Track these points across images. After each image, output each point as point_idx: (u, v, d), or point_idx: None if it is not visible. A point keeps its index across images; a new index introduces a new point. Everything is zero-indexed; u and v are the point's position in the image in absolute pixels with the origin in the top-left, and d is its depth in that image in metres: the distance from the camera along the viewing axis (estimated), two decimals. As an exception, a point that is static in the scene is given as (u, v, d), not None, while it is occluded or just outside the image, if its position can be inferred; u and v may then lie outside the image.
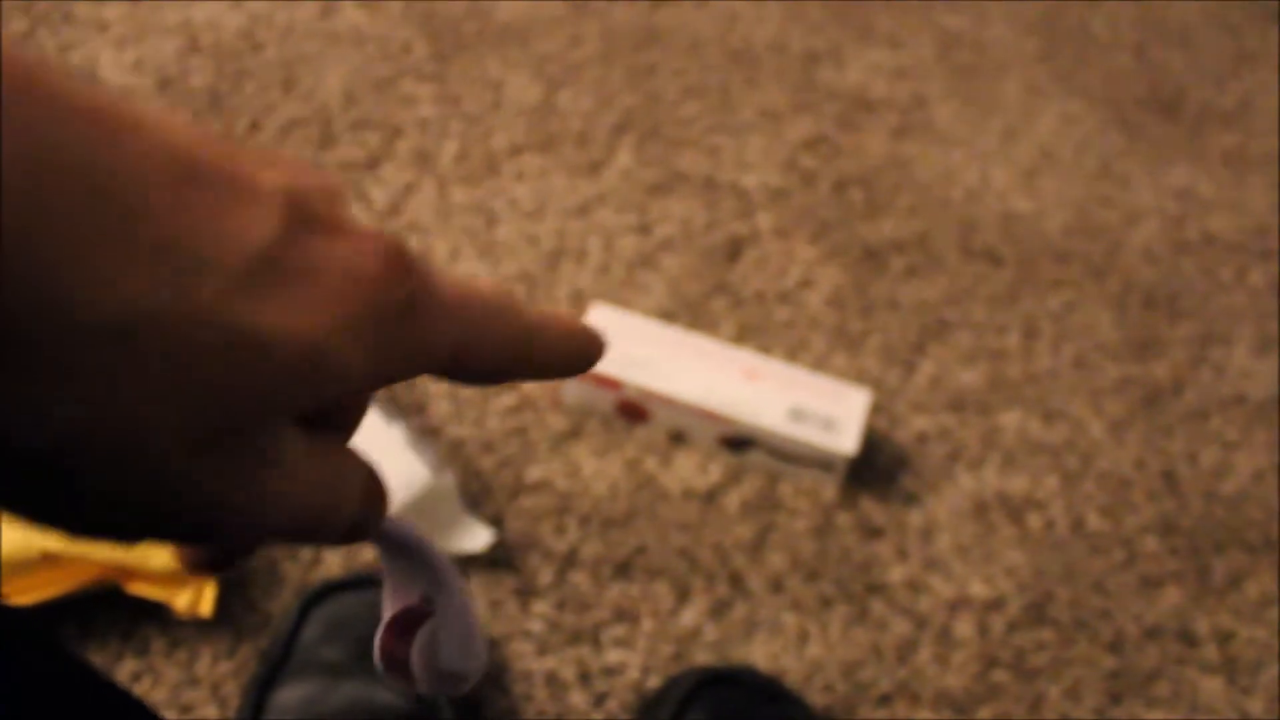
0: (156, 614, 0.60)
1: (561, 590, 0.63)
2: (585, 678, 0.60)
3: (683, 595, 0.64)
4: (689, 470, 0.69)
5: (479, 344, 0.22)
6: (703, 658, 0.62)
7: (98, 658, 0.59)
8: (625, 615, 0.63)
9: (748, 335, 0.76)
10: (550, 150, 0.86)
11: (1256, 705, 0.63)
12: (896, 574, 0.66)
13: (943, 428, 0.72)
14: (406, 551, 0.26)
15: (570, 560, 0.64)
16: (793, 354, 0.75)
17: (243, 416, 0.17)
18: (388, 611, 0.27)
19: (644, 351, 0.68)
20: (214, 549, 0.24)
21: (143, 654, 0.59)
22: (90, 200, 0.15)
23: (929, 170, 0.89)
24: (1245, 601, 0.67)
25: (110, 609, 0.60)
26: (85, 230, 0.15)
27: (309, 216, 0.18)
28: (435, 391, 0.70)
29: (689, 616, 0.63)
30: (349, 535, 0.22)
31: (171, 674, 0.58)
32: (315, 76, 0.89)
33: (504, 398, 0.71)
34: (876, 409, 0.73)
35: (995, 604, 0.65)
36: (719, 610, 0.63)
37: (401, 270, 0.19)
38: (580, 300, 0.76)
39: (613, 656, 0.61)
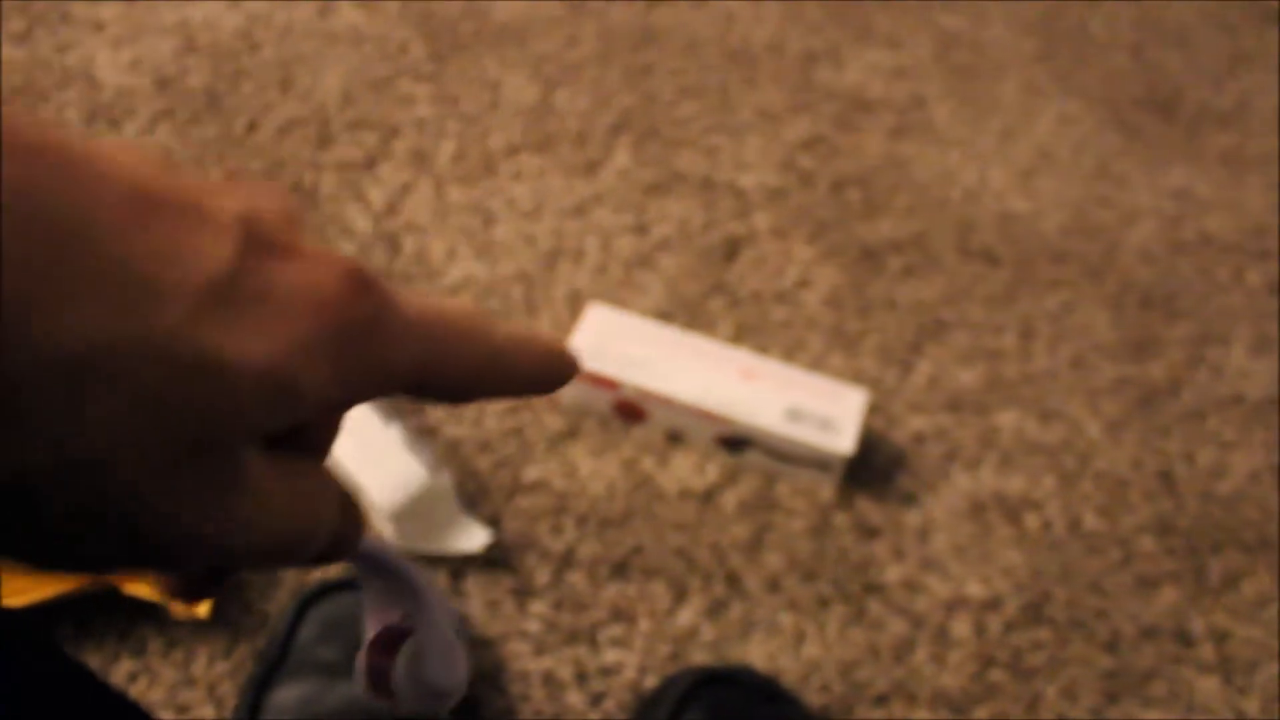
0: (153, 614, 0.60)
1: (559, 590, 0.63)
2: (582, 678, 0.60)
3: (680, 595, 0.64)
4: (686, 470, 0.69)
5: (444, 364, 0.22)
6: (700, 657, 0.62)
7: (94, 658, 0.59)
8: (622, 615, 0.63)
9: (745, 335, 0.76)
10: (547, 150, 0.86)
11: (1252, 705, 0.63)
12: (893, 574, 0.66)
13: (940, 428, 0.73)
14: (384, 571, 0.26)
15: (567, 560, 0.64)
16: (790, 354, 0.75)
17: (205, 443, 0.17)
18: (369, 631, 0.27)
19: (641, 351, 0.68)
20: (191, 577, 0.24)
21: (139, 654, 0.59)
22: (42, 236, 0.15)
23: (927, 170, 0.89)
24: (1241, 601, 0.67)
25: (107, 609, 0.60)
26: (38, 266, 0.15)
27: (266, 240, 0.18)
28: (432, 391, 0.70)
29: (686, 616, 0.63)
30: (324, 557, 0.22)
31: (168, 674, 0.58)
32: (313, 76, 0.89)
33: (501, 398, 0.71)
34: (873, 409, 0.73)
35: (992, 604, 0.65)
36: (716, 610, 0.63)
37: (361, 291, 0.19)
38: (577, 300, 0.76)
39: (610, 656, 0.61)
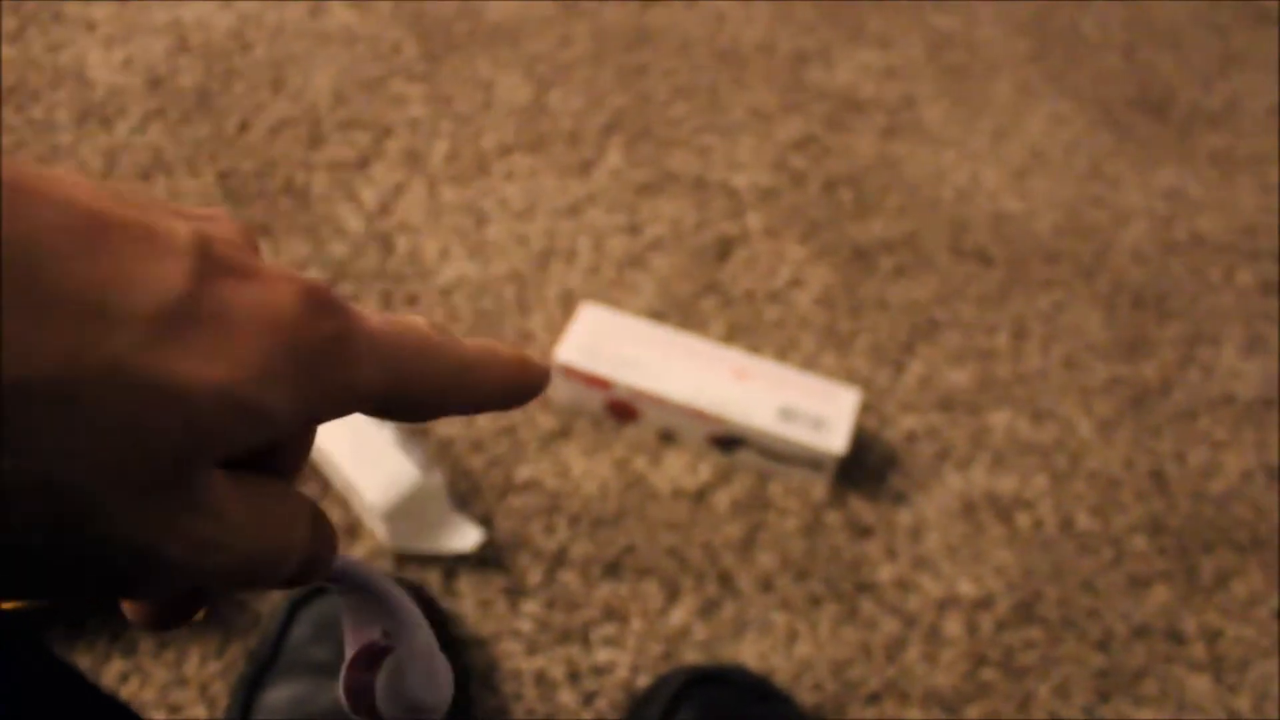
0: (144, 614, 0.60)
1: (551, 589, 0.63)
2: (574, 677, 0.60)
3: (672, 594, 0.64)
4: (678, 469, 0.69)
5: (410, 381, 0.21)
6: (692, 657, 0.62)
7: (86, 659, 0.59)
8: (615, 614, 0.63)
9: (737, 335, 0.76)
10: (540, 150, 0.86)
11: (1244, 703, 0.63)
12: (885, 573, 0.66)
13: (932, 427, 0.73)
14: (362, 589, 0.26)
15: (559, 559, 0.64)
16: (782, 353, 0.75)
17: (167, 466, 0.17)
18: (350, 649, 0.27)
19: (634, 351, 0.68)
20: (161, 605, 0.24)
21: (131, 654, 0.59)
22: None
23: (919, 170, 0.89)
24: (1233, 600, 0.67)
25: (98, 610, 0.60)
26: None
27: (221, 262, 0.18)
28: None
29: (678, 615, 0.63)
30: (298, 578, 0.22)
31: (160, 674, 0.58)
32: (305, 76, 0.89)
33: (494, 397, 0.71)
34: (866, 408, 0.73)
35: (984, 603, 0.65)
36: (708, 609, 0.63)
37: (320, 310, 0.19)
38: (570, 300, 0.76)
39: (602, 655, 0.61)
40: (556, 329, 0.74)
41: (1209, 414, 0.76)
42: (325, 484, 0.65)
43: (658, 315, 0.76)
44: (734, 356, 0.68)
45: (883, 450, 0.71)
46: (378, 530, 0.62)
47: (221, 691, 0.58)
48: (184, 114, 0.85)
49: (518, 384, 0.24)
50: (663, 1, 1.00)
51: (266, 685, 0.54)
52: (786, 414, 0.66)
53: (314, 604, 0.56)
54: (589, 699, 0.60)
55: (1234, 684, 0.64)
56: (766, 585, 0.64)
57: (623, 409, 0.68)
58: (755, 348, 0.75)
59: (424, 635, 0.26)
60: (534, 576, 0.63)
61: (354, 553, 0.63)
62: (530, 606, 0.62)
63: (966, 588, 0.66)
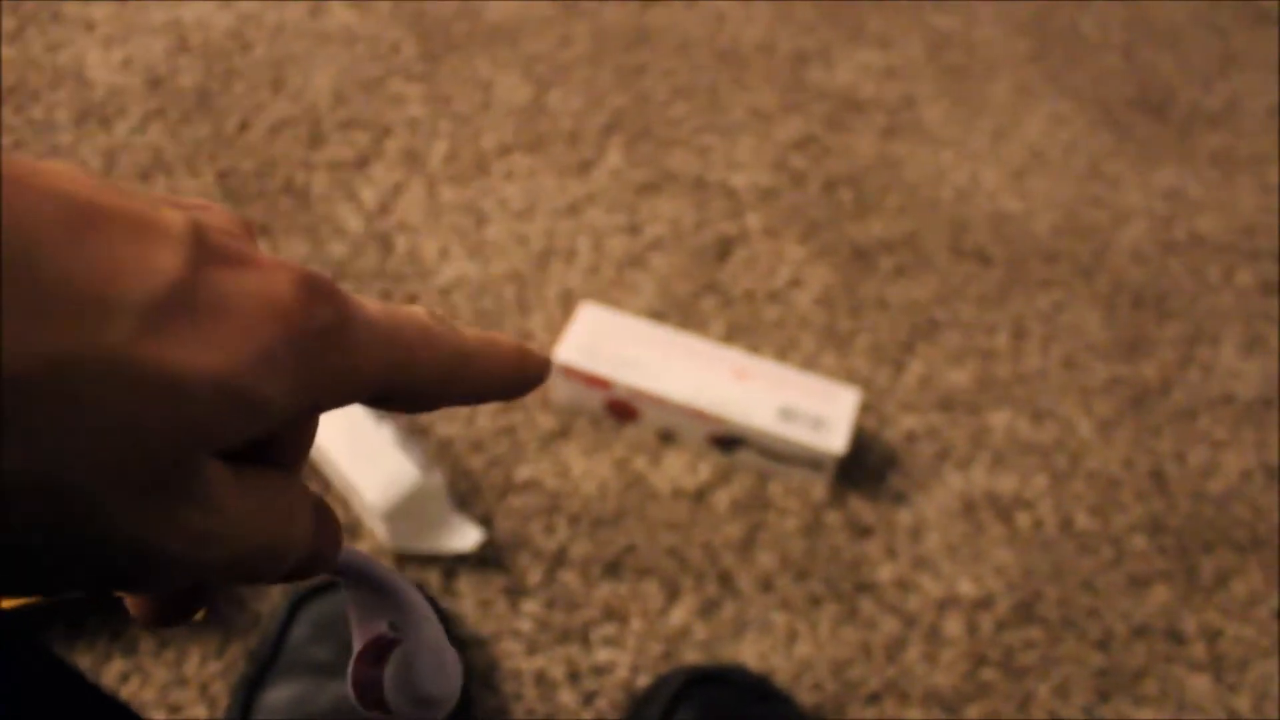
0: (144, 614, 0.60)
1: (551, 589, 0.63)
2: (574, 677, 0.60)
3: (672, 594, 0.64)
4: (678, 469, 0.69)
5: (411, 370, 0.21)
6: (692, 656, 0.62)
7: (86, 658, 0.58)
8: (614, 614, 0.63)
9: (737, 335, 0.76)
10: (540, 150, 0.86)
11: (1244, 702, 0.63)
12: (885, 573, 0.66)
13: (932, 427, 0.73)
14: (368, 582, 0.26)
15: (559, 559, 0.64)
16: (782, 353, 0.75)
17: (165, 458, 0.17)
18: (357, 643, 0.27)
19: (633, 351, 0.68)
20: (163, 601, 0.23)
21: (131, 654, 0.59)
22: None
23: (918, 170, 0.89)
24: (1233, 600, 0.67)
25: (99, 610, 0.60)
26: None
27: (216, 251, 0.18)
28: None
29: (678, 615, 0.63)
30: (301, 571, 0.22)
31: (160, 674, 0.58)
32: (304, 76, 0.89)
33: (493, 397, 0.71)
34: (866, 408, 0.73)
35: (984, 603, 0.65)
36: (708, 609, 0.63)
37: (319, 298, 0.19)
38: (570, 299, 0.76)
39: (602, 655, 0.61)
40: (556, 329, 0.74)
41: (1209, 414, 0.76)
42: (326, 484, 0.65)
43: (657, 315, 0.76)
44: (734, 356, 0.68)
45: (883, 450, 0.71)
46: (378, 530, 0.62)
47: (222, 691, 0.58)
48: (184, 114, 0.85)
49: (517, 374, 0.24)
50: (663, 1, 1.00)
51: (267, 685, 0.54)
52: (786, 414, 0.66)
53: (314, 604, 0.56)
54: (589, 699, 0.60)
55: (1234, 684, 0.64)
56: (766, 585, 0.64)
57: (623, 409, 0.68)
58: (755, 348, 0.75)
59: (432, 627, 0.26)
60: (534, 576, 0.63)
61: (354, 553, 0.63)
62: (530, 606, 0.62)
63: (966, 588, 0.66)
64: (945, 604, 0.65)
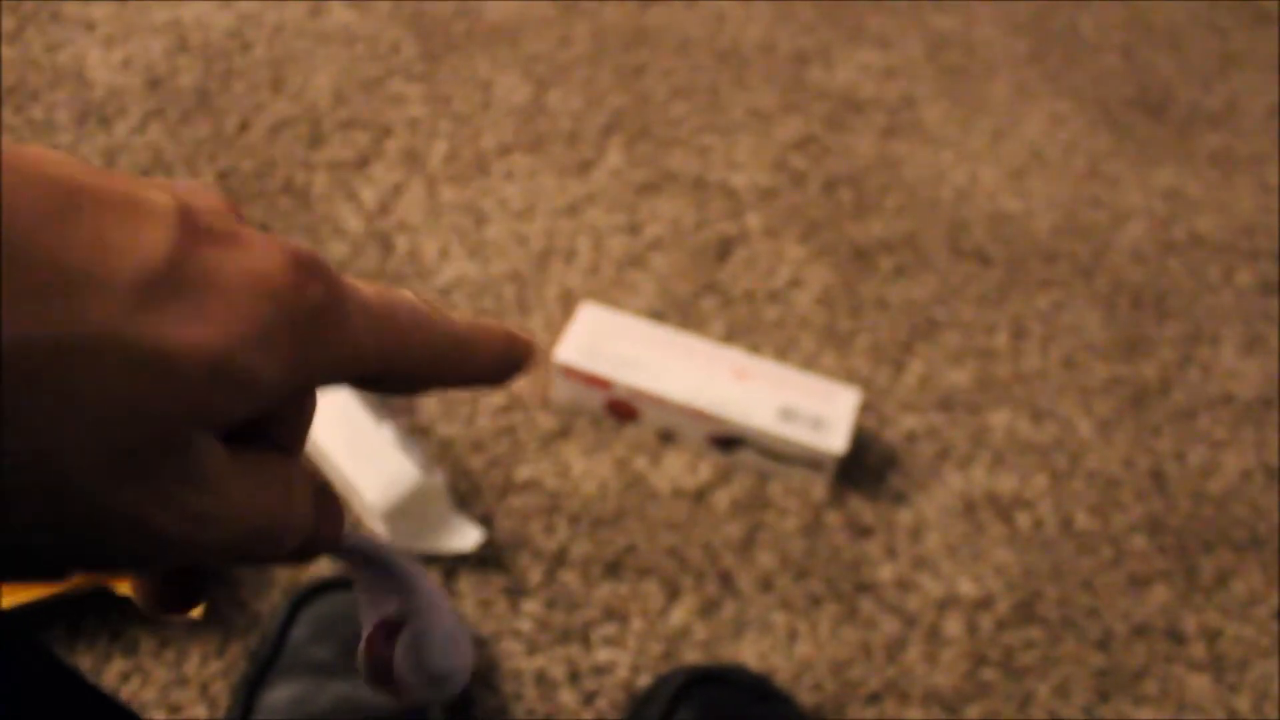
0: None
1: (551, 589, 0.63)
2: (575, 676, 0.60)
3: (672, 594, 0.64)
4: (678, 469, 0.69)
5: (403, 351, 0.21)
6: (692, 656, 0.62)
7: (86, 658, 0.58)
8: (615, 614, 0.63)
9: (737, 334, 0.76)
10: (539, 150, 0.86)
11: (1244, 702, 0.63)
12: (886, 573, 0.66)
13: (932, 427, 0.73)
14: (374, 564, 0.26)
15: (560, 559, 0.64)
16: (782, 353, 0.75)
17: (159, 436, 0.17)
18: (367, 625, 0.27)
19: (633, 351, 0.68)
20: (169, 583, 0.23)
21: (131, 654, 0.59)
22: None
23: (918, 170, 0.89)
24: (1233, 600, 0.67)
25: (99, 609, 0.60)
26: None
27: (205, 229, 0.18)
28: (425, 391, 0.70)
29: (678, 615, 0.63)
30: (303, 552, 0.22)
31: (160, 674, 0.58)
32: (304, 76, 0.89)
33: (494, 397, 0.71)
34: (866, 408, 0.73)
35: (984, 602, 0.65)
36: (708, 609, 0.63)
37: (310, 275, 0.19)
38: (570, 299, 0.76)
39: (602, 655, 0.61)
40: (556, 329, 0.74)
41: (1208, 413, 0.76)
42: (325, 484, 0.65)
43: (657, 315, 0.76)
44: (734, 356, 0.68)
45: (883, 450, 0.71)
46: (377, 530, 0.62)
47: (222, 691, 0.58)
48: (184, 114, 0.85)
49: (506, 358, 0.24)
50: (663, 1, 1.00)
51: (267, 685, 0.54)
52: (786, 414, 0.66)
53: (314, 603, 0.56)
54: (589, 699, 0.60)
55: (1234, 684, 0.64)
56: (766, 585, 0.64)
57: (622, 409, 0.68)
58: (755, 347, 0.75)
59: (441, 603, 0.26)
60: (534, 576, 0.63)
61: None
62: (530, 606, 0.62)
63: (966, 587, 0.66)
64: (945, 604, 0.65)
